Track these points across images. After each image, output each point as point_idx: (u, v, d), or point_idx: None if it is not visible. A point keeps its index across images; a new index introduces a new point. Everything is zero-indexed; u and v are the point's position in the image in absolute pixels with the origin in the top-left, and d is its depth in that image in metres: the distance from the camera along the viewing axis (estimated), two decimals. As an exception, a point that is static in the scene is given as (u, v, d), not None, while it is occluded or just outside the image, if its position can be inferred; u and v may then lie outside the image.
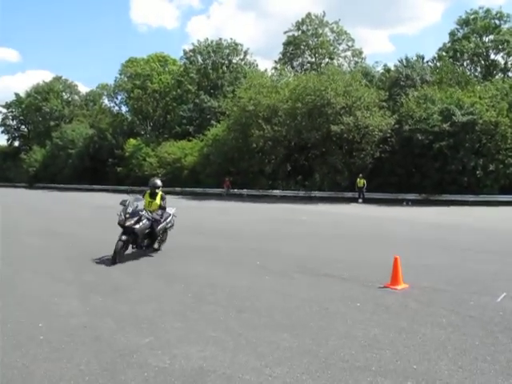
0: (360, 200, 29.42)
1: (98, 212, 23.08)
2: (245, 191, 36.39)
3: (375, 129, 29.55)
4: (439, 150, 26.73)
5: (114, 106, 63.87)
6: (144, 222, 9.45)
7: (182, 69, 52.32)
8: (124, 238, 9.20)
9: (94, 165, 52.39)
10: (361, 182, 29.61)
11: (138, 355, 4.71)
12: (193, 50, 50.37)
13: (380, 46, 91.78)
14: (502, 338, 5.07)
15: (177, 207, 11.71)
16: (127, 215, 9.28)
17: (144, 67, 54.34)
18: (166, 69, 55.46)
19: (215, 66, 49.00)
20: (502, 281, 7.72)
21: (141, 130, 56.23)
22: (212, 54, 48.88)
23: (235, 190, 36.98)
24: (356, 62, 51.39)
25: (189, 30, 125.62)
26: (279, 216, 21.08)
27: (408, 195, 28.42)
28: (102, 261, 9.47)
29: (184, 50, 51.32)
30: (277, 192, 34.39)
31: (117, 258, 9.07)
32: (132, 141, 49.50)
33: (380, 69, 41.70)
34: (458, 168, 26.54)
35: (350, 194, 30.74)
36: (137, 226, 9.29)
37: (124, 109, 61.63)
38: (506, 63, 44.69)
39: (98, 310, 6.27)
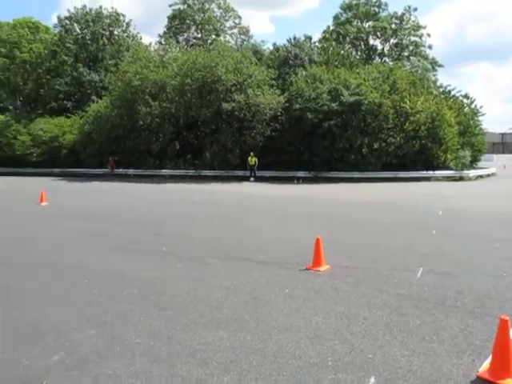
0: (252, 178, 29.31)
1: None
2: (131, 171, 34.45)
3: (266, 107, 29.41)
4: (328, 129, 27.39)
5: (-27, 77, 56.31)
6: None
7: (56, 38, 47.47)
8: None
9: (-49, 143, 45.80)
10: (252, 160, 29.46)
11: (49, 380, 3.63)
12: (69, 18, 45.78)
13: (261, 27, 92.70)
14: (438, 315, 5.00)
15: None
16: None
17: (10, 33, 48.12)
18: (38, 37, 49.86)
19: (95, 37, 45.18)
20: (412, 255, 7.84)
21: (9, 105, 50.43)
22: (91, 24, 44.86)
23: (120, 170, 34.86)
24: (243, 40, 51.00)
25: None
26: (173, 197, 20.05)
27: (298, 173, 28.87)
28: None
29: (59, 17, 46.13)
30: (165, 171, 32.97)
31: None
32: (-1, 116, 44.22)
33: (267, 47, 41.77)
34: (345, 146, 27.48)
35: (241, 173, 30.44)
36: None
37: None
38: (383, 49, 47.51)
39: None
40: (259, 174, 29.53)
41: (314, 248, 6.96)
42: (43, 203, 16.05)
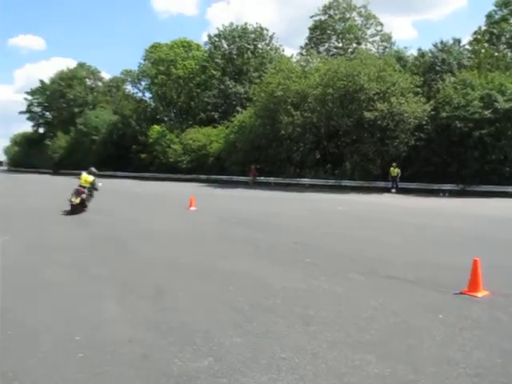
0: (393, 190, 28.26)
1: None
2: (272, 179, 35.49)
3: (410, 116, 28.25)
4: (479, 139, 25.35)
5: (137, 92, 63.17)
6: None
7: (206, 54, 51.25)
8: None
9: (118, 151, 52.09)
10: (394, 171, 28.41)
11: (199, 384, 3.82)
12: (218, 35, 49.16)
13: (403, 32, 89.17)
14: None
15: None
16: None
17: (168, 53, 53.42)
18: (190, 54, 54.33)
19: (240, 52, 47.72)
20: None
21: (164, 117, 55.65)
22: (237, 39, 47.55)
23: (262, 178, 36.14)
24: (385, 47, 49.52)
25: (209, 16, 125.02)
26: (313, 206, 20.14)
27: (444, 185, 27.05)
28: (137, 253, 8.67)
29: (209, 35, 50.05)
30: (305, 180, 33.36)
31: None
32: (156, 127, 48.88)
33: (410, 53, 39.98)
34: (499, 157, 25.18)
35: (382, 184, 29.57)
36: None
37: (147, 95, 60.96)
38: (545, 48, 42.40)
39: (140, 318, 5.39)
40: (401, 185, 28.36)
41: (471, 270, 6.34)
42: (192, 207, 17.26)
